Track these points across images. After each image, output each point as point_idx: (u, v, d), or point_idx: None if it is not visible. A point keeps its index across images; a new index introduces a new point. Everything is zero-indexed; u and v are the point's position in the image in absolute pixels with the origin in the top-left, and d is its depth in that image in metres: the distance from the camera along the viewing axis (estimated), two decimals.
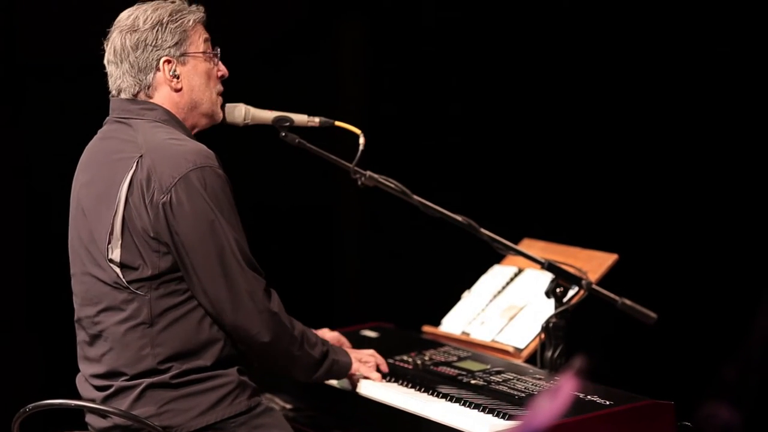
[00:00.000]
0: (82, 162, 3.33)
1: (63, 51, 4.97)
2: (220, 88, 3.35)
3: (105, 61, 3.29)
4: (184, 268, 3.13)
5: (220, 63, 3.35)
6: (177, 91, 3.25)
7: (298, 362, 3.31)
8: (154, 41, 3.22)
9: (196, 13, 3.29)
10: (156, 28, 3.22)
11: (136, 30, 3.22)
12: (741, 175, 5.08)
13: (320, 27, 5.64)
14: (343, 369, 3.45)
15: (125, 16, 3.27)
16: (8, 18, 4.88)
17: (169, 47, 3.23)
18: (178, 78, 3.25)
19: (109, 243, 3.14)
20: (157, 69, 3.23)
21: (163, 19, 3.23)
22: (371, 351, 3.59)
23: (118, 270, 3.13)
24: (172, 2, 3.29)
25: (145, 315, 3.14)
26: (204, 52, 3.29)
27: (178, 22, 3.24)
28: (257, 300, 3.16)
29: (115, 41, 3.25)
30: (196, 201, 3.11)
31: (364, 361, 3.54)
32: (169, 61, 3.23)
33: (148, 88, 3.24)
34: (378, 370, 3.56)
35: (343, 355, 3.46)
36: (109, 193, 3.16)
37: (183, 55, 3.25)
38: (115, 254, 3.13)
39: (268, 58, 5.46)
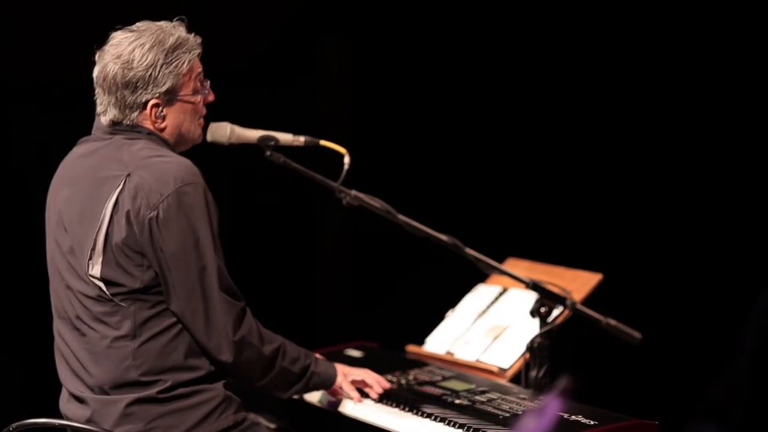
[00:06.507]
0: (61, 177, 3.29)
1: (47, 68, 4.97)
2: (203, 112, 3.32)
3: (94, 76, 3.23)
4: (165, 284, 3.12)
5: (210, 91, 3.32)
6: (161, 129, 3.23)
7: (272, 379, 3.28)
8: (145, 85, 3.16)
9: (194, 50, 3.22)
10: (149, 71, 3.15)
11: (130, 68, 3.15)
12: (724, 197, 5.09)
13: (303, 46, 5.64)
14: (325, 381, 3.42)
15: (123, 44, 3.18)
16: None
17: (159, 92, 3.18)
18: (163, 119, 3.22)
19: (90, 259, 3.13)
20: (144, 108, 3.20)
21: (159, 61, 3.15)
22: (365, 370, 3.56)
23: (101, 284, 3.12)
24: (173, 31, 3.20)
25: (127, 327, 3.13)
26: (194, 92, 3.25)
27: (173, 65, 3.17)
28: (227, 324, 3.14)
29: (107, 66, 3.18)
30: (182, 219, 3.10)
31: (352, 378, 3.50)
32: (157, 105, 3.20)
33: (132, 121, 3.20)
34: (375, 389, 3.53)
35: (326, 368, 3.42)
36: (94, 210, 3.14)
37: (172, 99, 3.22)
38: (95, 270, 3.12)
39: (251, 78, 5.46)
